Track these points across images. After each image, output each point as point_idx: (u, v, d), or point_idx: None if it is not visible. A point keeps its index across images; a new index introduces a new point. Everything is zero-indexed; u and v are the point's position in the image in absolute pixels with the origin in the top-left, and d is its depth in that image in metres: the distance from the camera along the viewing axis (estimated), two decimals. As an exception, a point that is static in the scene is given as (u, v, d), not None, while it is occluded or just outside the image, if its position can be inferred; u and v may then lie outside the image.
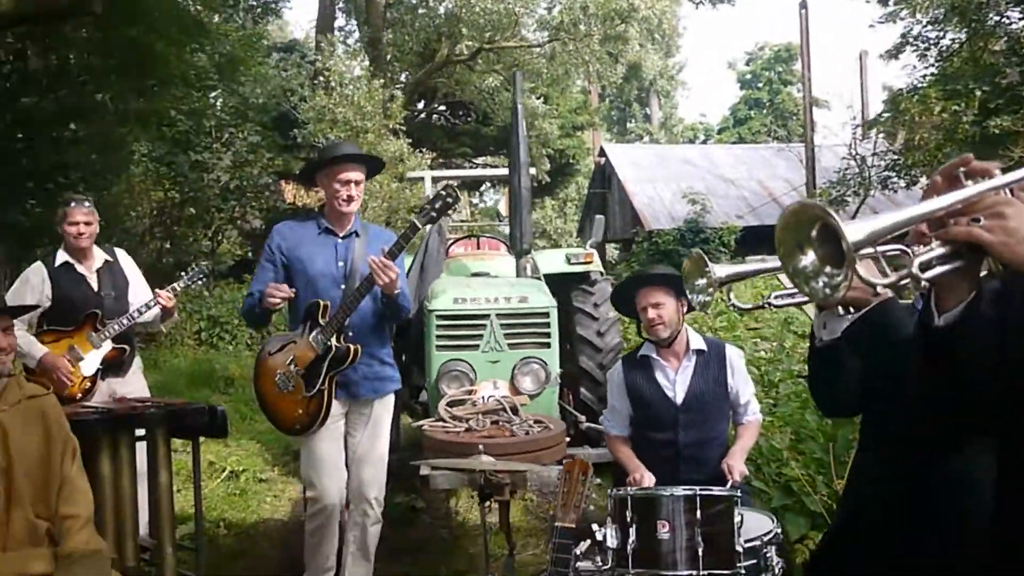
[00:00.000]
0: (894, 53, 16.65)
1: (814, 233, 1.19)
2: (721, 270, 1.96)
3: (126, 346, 4.47)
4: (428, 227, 6.17)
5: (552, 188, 25.15)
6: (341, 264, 3.62)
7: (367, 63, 17.43)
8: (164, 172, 17.01)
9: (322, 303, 3.55)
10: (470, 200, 28.25)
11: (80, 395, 4.27)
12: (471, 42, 16.80)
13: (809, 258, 1.21)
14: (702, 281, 1.98)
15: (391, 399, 3.77)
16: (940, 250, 1.24)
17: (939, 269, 1.24)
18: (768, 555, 2.56)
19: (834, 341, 1.92)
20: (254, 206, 17.81)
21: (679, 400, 3.36)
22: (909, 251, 1.22)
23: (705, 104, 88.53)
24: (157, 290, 4.44)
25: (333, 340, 3.51)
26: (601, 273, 5.90)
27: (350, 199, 3.59)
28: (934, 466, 1.76)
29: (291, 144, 17.43)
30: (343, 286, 3.58)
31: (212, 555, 4.59)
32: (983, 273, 1.30)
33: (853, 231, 1.14)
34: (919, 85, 14.97)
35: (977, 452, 1.64)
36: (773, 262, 1.61)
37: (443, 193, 3.53)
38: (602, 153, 25.58)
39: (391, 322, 3.90)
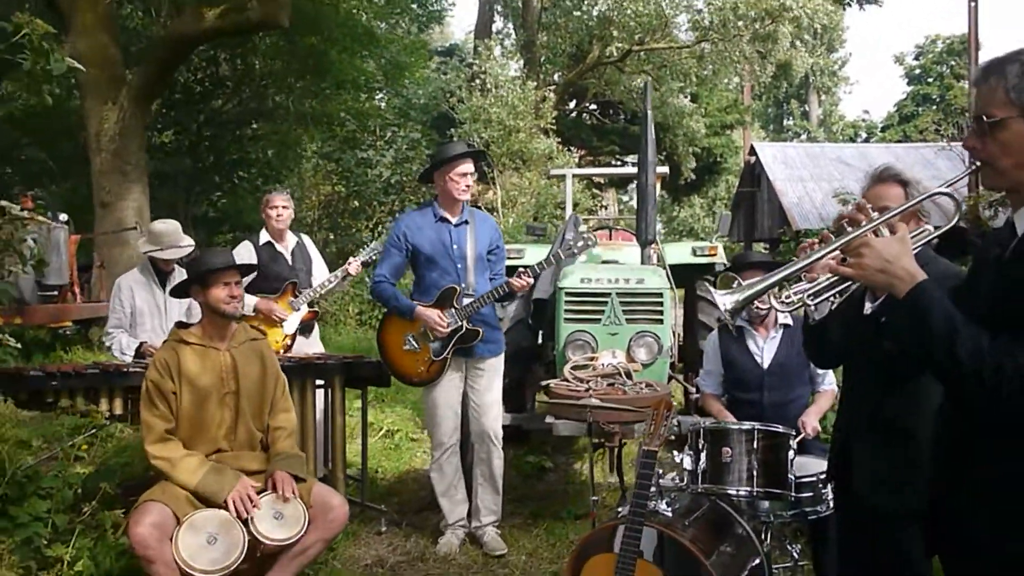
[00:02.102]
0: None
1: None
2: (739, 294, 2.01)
3: (317, 310, 5.42)
4: (566, 219, 6.85)
5: (700, 186, 25.24)
6: (455, 247, 4.41)
7: (522, 65, 18.27)
8: (332, 168, 18.48)
9: (458, 288, 4.36)
10: (619, 197, 28.71)
11: (282, 350, 5.22)
12: (621, 44, 17.31)
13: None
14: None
15: (501, 357, 4.57)
16: (826, 281, 1.83)
17: (827, 294, 1.84)
18: (823, 490, 3.08)
19: (822, 321, 2.39)
20: (412, 200, 19.02)
21: (765, 365, 3.90)
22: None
23: (869, 100, 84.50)
24: (349, 260, 5.42)
25: (465, 323, 4.32)
26: (724, 265, 6.38)
27: (467, 189, 4.38)
28: (891, 397, 2.35)
29: (448, 142, 18.50)
30: (458, 265, 4.38)
31: (371, 491, 5.45)
32: None
33: (723, 302, 1.81)
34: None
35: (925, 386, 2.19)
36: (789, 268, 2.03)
37: (586, 236, 4.42)
38: (752, 152, 25.37)
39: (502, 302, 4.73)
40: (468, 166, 4.38)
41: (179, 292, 3.76)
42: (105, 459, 5.74)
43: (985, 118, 1.67)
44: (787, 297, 1.90)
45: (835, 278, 1.82)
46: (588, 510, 4.95)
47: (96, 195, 11.35)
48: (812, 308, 1.81)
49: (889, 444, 2.36)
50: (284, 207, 5.29)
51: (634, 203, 8.02)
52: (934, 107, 38.83)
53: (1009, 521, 1.63)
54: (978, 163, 1.75)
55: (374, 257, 5.82)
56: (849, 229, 1.81)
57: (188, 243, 4.90)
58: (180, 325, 3.58)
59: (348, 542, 4.53)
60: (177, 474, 3.28)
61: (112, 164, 11.09)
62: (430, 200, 4.58)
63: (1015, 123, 1.64)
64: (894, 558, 2.42)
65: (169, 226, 4.87)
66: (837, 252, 1.82)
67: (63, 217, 11.04)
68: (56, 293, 10.36)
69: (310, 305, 5.34)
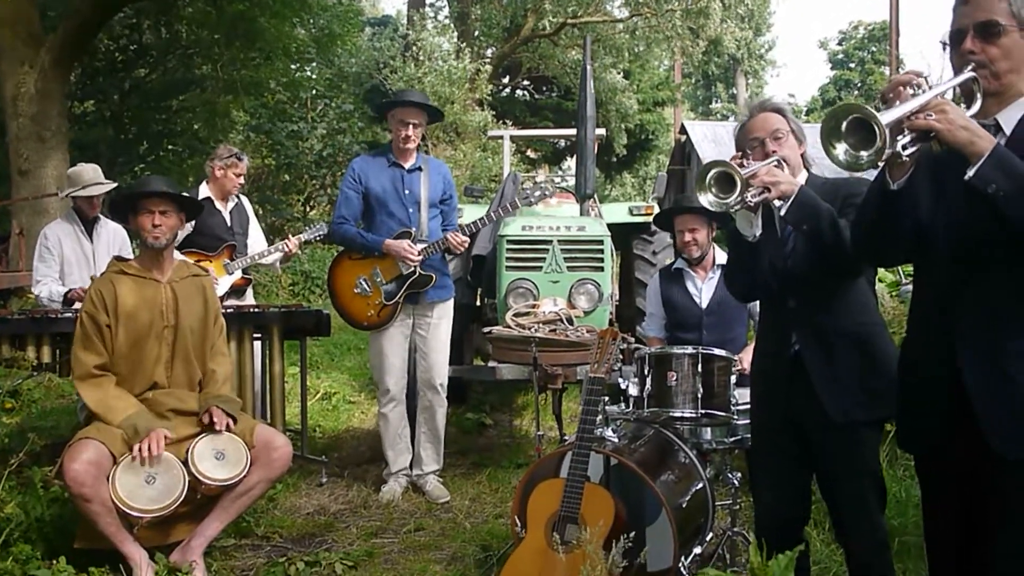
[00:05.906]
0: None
1: (844, 127, 1.84)
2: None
3: (251, 277, 5.31)
4: (505, 175, 6.86)
5: (631, 163, 25.45)
6: (407, 192, 4.41)
7: (455, 37, 18.10)
8: (262, 140, 18.06)
9: (412, 232, 4.35)
10: (552, 179, 28.75)
11: None
12: (555, 17, 17.28)
13: (842, 146, 1.85)
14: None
15: (451, 303, 4.57)
16: (909, 137, 1.88)
17: (910, 149, 1.89)
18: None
19: (761, 237, 2.50)
20: (344, 173, 18.72)
21: (704, 305, 3.96)
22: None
23: (795, 84, 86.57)
24: (287, 238, 5.34)
25: (418, 267, 4.28)
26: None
27: (407, 139, 4.37)
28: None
29: (381, 115, 18.20)
30: (410, 209, 4.39)
31: (311, 448, 5.37)
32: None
33: (884, 118, 1.79)
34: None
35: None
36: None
37: (543, 184, 4.45)
38: (682, 130, 25.70)
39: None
40: (413, 117, 4.36)
41: (116, 214, 3.65)
42: (30, 423, 5.55)
43: (1001, 21, 1.89)
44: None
45: (910, 137, 1.87)
46: (529, 460, 5.01)
47: (13, 162, 10.86)
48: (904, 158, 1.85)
49: (844, 352, 2.46)
50: (243, 174, 5.22)
51: (565, 183, 8.08)
52: (856, 92, 39.98)
53: None
54: (973, 65, 1.92)
55: (317, 237, 5.76)
56: (912, 92, 1.88)
57: (111, 184, 4.78)
58: (119, 259, 3.47)
59: (288, 493, 4.48)
60: (103, 413, 3.19)
61: (30, 130, 10.63)
62: (385, 147, 4.58)
63: (1015, 32, 1.91)
64: (850, 465, 2.48)
65: (88, 167, 4.76)
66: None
67: (-24, 184, 10.58)
68: (-28, 263, 9.96)
69: (244, 272, 5.24)
